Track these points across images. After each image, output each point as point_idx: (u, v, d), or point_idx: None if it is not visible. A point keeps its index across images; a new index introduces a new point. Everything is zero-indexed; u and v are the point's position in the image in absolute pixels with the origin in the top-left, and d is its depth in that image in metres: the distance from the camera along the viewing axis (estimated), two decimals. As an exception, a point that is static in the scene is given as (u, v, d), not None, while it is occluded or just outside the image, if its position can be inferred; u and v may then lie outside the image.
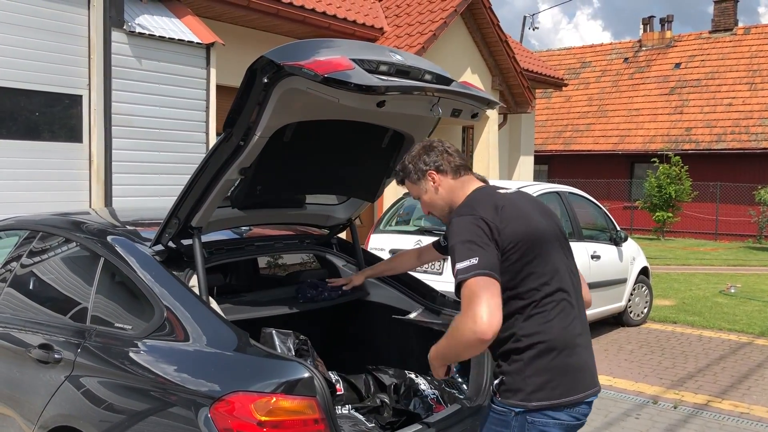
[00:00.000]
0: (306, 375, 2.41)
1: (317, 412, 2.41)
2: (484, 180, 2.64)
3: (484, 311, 2.07)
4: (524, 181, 14.61)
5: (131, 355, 2.72)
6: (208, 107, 8.55)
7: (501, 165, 15.19)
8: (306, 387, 2.40)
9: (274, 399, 2.37)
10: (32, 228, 3.52)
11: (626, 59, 26.47)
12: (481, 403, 3.11)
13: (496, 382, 2.37)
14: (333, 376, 3.33)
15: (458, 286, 2.16)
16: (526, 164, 16.65)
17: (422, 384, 3.34)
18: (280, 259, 4.38)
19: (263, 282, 4.02)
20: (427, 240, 6.38)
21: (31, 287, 3.41)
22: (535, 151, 19.44)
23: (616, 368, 6.51)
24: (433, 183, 2.51)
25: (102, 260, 3.06)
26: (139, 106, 7.91)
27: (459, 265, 2.16)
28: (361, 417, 2.91)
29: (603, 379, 6.11)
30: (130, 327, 2.85)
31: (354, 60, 2.42)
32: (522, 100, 14.23)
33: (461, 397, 3.22)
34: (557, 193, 7.18)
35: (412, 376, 3.38)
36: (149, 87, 8.01)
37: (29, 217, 3.71)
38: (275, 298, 3.43)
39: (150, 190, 7.99)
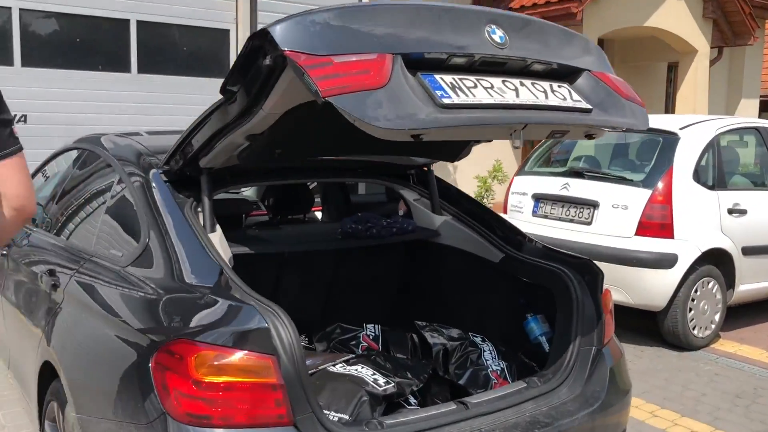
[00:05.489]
0: (262, 325, 1.82)
1: (274, 375, 1.81)
2: None
3: None
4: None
5: (103, 287, 2.32)
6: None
7: (716, 110, 13.07)
8: (260, 340, 1.81)
9: (217, 353, 1.82)
10: (75, 147, 3.27)
11: None
12: (558, 384, 2.31)
13: None
14: (374, 331, 2.70)
15: None
16: (749, 109, 14.21)
17: (488, 351, 2.59)
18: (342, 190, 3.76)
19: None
20: (576, 183, 5.32)
21: (63, 212, 3.15)
22: (762, 96, 16.62)
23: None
24: None
25: (117, 178, 2.69)
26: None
27: None
28: (371, 381, 2.23)
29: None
30: (120, 254, 2.44)
31: (402, 55, 1.72)
32: (742, 30, 12.02)
33: (536, 373, 2.43)
34: (756, 129, 5.73)
35: (478, 339, 2.65)
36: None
37: (84, 138, 3.46)
38: (312, 232, 2.85)
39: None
